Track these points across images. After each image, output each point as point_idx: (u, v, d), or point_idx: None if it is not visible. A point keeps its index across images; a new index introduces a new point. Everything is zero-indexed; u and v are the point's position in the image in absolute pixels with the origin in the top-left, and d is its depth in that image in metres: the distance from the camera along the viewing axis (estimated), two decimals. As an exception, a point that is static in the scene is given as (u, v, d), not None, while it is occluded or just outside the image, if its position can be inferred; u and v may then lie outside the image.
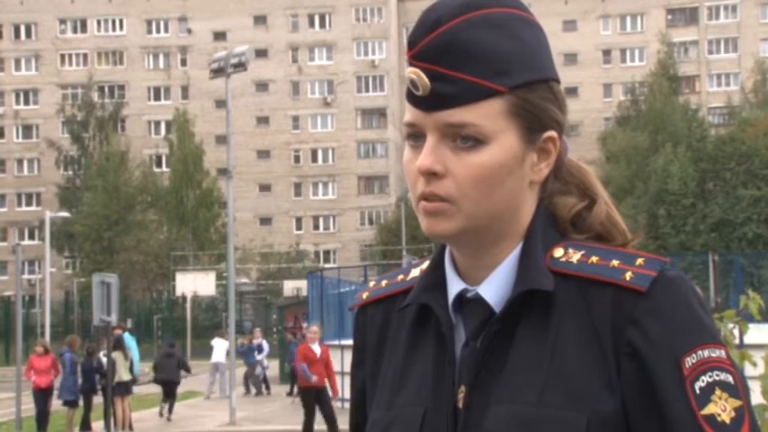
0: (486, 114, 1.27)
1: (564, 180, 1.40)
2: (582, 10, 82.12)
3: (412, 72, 1.29)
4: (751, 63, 74.47)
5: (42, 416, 19.23)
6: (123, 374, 18.74)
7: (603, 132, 71.43)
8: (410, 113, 1.32)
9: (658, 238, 52.87)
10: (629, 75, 78.30)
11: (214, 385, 27.01)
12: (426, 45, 1.27)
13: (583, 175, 1.41)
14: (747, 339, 6.94)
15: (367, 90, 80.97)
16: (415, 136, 1.32)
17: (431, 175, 1.28)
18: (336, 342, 22.98)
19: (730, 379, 1.24)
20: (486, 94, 1.27)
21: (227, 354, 24.19)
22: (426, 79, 1.27)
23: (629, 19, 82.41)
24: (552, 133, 1.33)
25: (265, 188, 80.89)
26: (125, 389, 18.83)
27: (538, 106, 1.31)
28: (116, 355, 18.73)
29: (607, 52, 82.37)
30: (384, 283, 1.49)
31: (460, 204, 1.28)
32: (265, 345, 28.46)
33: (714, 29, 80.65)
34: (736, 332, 4.95)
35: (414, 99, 1.30)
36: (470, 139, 1.27)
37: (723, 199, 54.34)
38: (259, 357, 27.87)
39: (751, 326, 5.37)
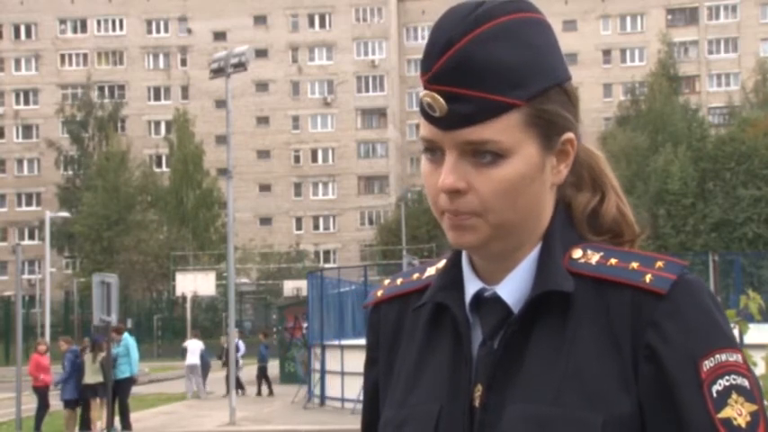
0: (505, 129, 1.27)
1: (576, 168, 1.39)
2: (582, 10, 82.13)
3: (427, 96, 1.28)
4: (751, 63, 74.51)
5: (45, 412, 19.39)
6: (89, 377, 18.57)
7: (603, 132, 71.36)
8: (427, 130, 1.31)
9: (658, 238, 52.89)
10: (629, 75, 78.31)
11: (193, 387, 26.95)
12: (440, 68, 1.26)
13: (593, 160, 1.42)
14: (747, 339, 6.94)
15: (367, 90, 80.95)
16: (432, 150, 1.31)
17: (454, 193, 1.28)
18: (336, 342, 22.96)
19: (746, 383, 1.26)
20: (504, 108, 1.27)
21: (227, 354, 24.20)
22: (443, 101, 1.26)
23: (629, 19, 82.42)
24: (570, 135, 1.34)
25: (265, 188, 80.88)
26: (92, 392, 18.73)
27: (554, 113, 1.31)
28: (86, 357, 18.70)
29: (607, 52, 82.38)
30: (399, 281, 1.49)
31: (486, 217, 1.29)
32: (242, 345, 28.29)
33: (714, 29, 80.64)
34: (736, 332, 4.96)
35: (430, 118, 1.29)
36: (491, 154, 1.27)
37: (723, 199, 54.37)
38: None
39: (751, 326, 5.37)
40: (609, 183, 1.41)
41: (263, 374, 27.62)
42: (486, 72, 1.26)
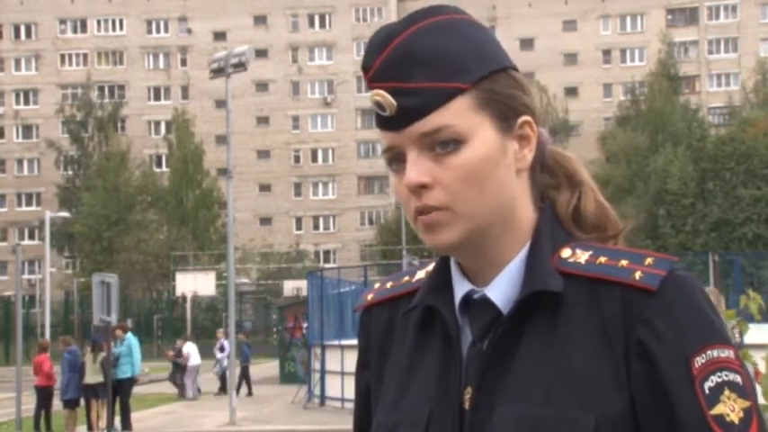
0: (457, 113, 1.27)
1: (551, 170, 1.40)
2: (582, 10, 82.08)
3: (375, 95, 1.30)
4: (751, 63, 74.45)
5: (48, 413, 19.44)
6: (90, 377, 18.59)
7: (603, 132, 71.37)
8: (385, 138, 1.32)
9: (658, 238, 52.89)
10: (629, 75, 78.24)
11: (193, 388, 26.92)
12: (381, 65, 1.29)
13: (567, 162, 1.42)
14: (747, 339, 6.95)
15: (367, 90, 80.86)
16: (397, 160, 1.31)
17: (420, 189, 1.28)
18: (336, 342, 22.96)
19: (739, 379, 1.25)
20: (451, 94, 1.27)
21: (228, 354, 24.22)
22: (390, 98, 1.28)
23: (629, 19, 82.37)
24: (526, 117, 1.34)
25: (265, 188, 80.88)
26: (93, 392, 18.73)
27: (504, 94, 1.32)
28: (87, 357, 18.72)
29: (607, 52, 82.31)
30: (389, 284, 1.48)
31: (456, 209, 1.28)
32: (227, 344, 28.25)
33: (714, 29, 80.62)
34: (736, 332, 4.96)
35: (384, 122, 1.31)
36: (449, 143, 1.27)
37: (723, 199, 54.36)
38: (219, 356, 27.80)
39: (751, 326, 5.37)
40: (584, 180, 1.41)
41: (244, 374, 27.63)
42: (427, 62, 1.27)
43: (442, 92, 1.27)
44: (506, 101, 1.31)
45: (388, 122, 1.30)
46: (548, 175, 1.39)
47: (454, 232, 1.28)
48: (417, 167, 1.27)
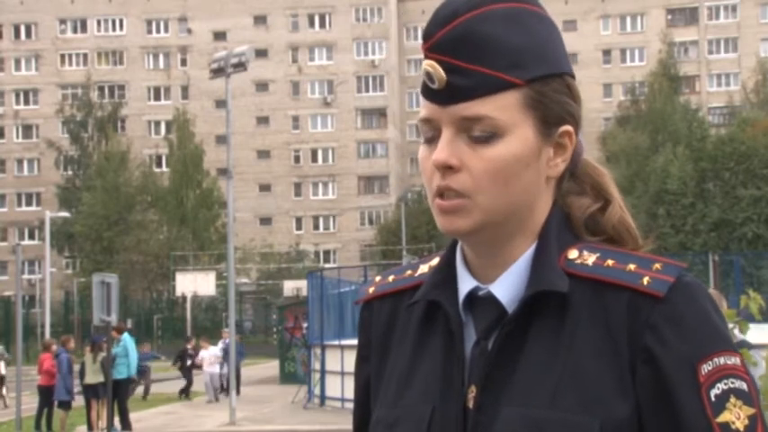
0: (502, 107, 1.27)
1: (579, 180, 1.39)
2: (582, 10, 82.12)
3: (428, 65, 1.28)
4: (751, 63, 74.52)
5: (50, 413, 19.45)
6: (90, 377, 18.61)
7: (603, 132, 71.38)
8: (425, 109, 1.31)
9: (658, 238, 52.65)
10: (629, 75, 78.29)
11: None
12: (442, 37, 1.26)
13: (598, 176, 1.40)
14: (747, 339, 6.95)
15: (367, 90, 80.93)
16: (431, 132, 1.30)
17: (446, 169, 1.27)
18: (336, 342, 22.96)
19: (745, 387, 1.24)
20: (502, 86, 1.26)
21: (227, 354, 24.20)
22: (442, 72, 1.26)
23: (629, 19, 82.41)
24: (568, 128, 1.32)
25: (265, 188, 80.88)
26: (93, 392, 18.75)
27: (554, 100, 1.30)
28: (86, 357, 18.73)
29: (607, 52, 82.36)
30: (391, 278, 1.47)
31: (476, 199, 1.27)
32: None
33: (714, 29, 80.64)
34: (736, 332, 4.96)
35: (429, 93, 1.29)
36: (486, 133, 1.26)
37: (722, 199, 54.33)
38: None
39: (751, 326, 5.37)
40: (613, 195, 1.39)
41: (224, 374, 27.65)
42: (487, 48, 1.26)
43: (495, 82, 1.26)
44: (554, 107, 1.30)
45: (432, 95, 1.29)
46: (574, 184, 1.38)
47: (468, 221, 1.28)
48: (449, 148, 1.27)
